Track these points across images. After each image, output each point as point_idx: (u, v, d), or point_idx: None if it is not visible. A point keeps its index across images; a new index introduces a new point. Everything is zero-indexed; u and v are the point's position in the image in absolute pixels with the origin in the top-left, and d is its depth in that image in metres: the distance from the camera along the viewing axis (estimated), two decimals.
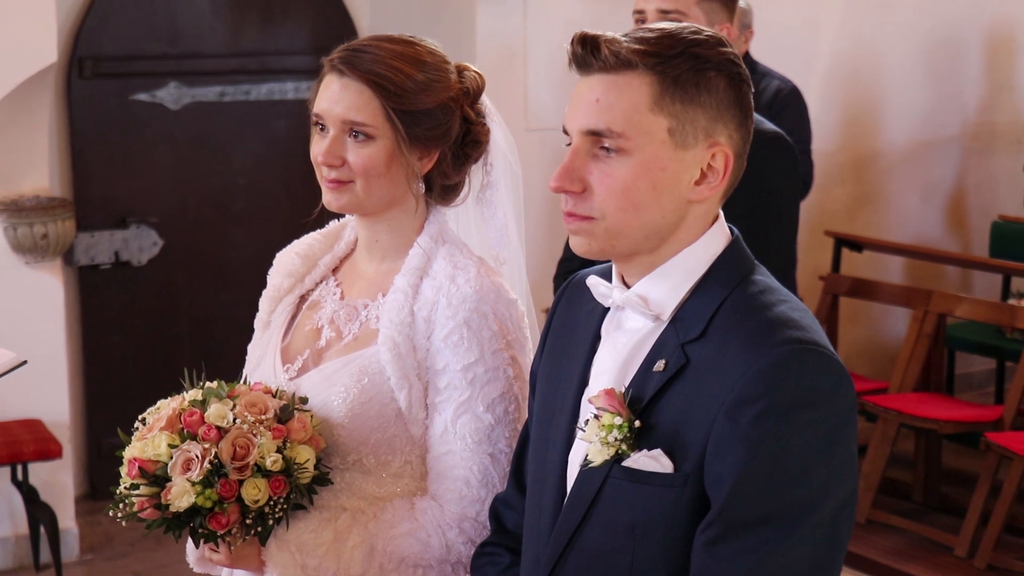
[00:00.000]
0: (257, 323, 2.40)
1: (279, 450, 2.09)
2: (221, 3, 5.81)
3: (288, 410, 2.15)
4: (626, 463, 1.73)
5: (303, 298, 2.37)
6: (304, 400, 2.20)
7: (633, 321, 1.81)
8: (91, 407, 5.71)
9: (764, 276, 1.80)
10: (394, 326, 2.19)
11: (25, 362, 2.27)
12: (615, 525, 1.75)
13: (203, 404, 2.13)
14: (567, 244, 4.00)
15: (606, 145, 1.73)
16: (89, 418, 5.71)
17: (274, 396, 2.18)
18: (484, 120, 2.29)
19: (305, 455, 2.11)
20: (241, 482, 2.08)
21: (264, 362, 2.33)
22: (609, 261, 1.86)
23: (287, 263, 2.38)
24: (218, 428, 2.09)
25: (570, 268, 3.89)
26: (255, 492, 2.07)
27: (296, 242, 2.42)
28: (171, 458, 2.10)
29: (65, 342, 5.19)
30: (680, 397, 1.71)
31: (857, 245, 6.37)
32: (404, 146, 2.18)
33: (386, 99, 2.17)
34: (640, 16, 3.58)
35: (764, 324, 1.70)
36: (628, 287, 1.82)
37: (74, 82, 5.49)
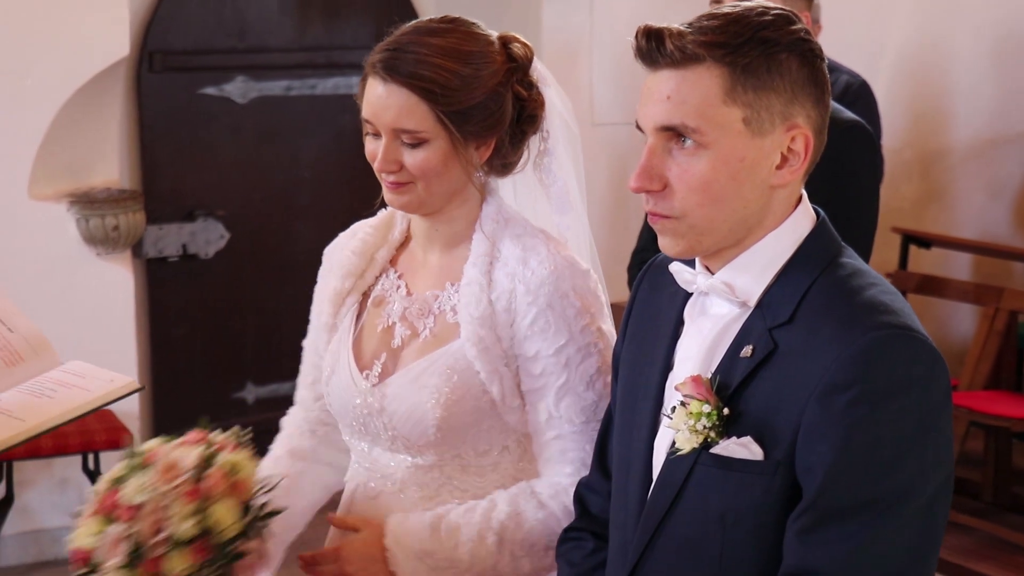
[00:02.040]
0: (319, 326, 2.34)
1: (198, 510, 2.00)
2: None
3: (210, 461, 2.06)
4: (715, 450, 1.71)
5: (365, 295, 2.31)
6: (379, 409, 2.22)
7: (718, 307, 1.79)
8: (158, 398, 5.76)
9: (852, 258, 1.77)
10: (475, 320, 2.15)
11: (142, 388, 2.25)
12: (704, 513, 1.73)
13: (123, 480, 2.03)
14: (641, 234, 4.00)
15: (682, 141, 1.71)
16: (155, 409, 5.76)
17: (206, 440, 2.10)
18: (537, 89, 2.24)
19: (222, 513, 2.01)
20: (165, 555, 1.99)
21: (338, 370, 2.27)
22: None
23: (345, 263, 2.31)
24: (136, 505, 1.99)
25: (644, 259, 3.88)
26: (178, 564, 1.98)
27: (346, 236, 2.36)
28: (99, 545, 2.00)
29: (134, 333, 5.23)
30: (768, 383, 1.69)
31: (925, 242, 6.32)
32: (459, 144, 2.13)
33: (434, 103, 2.10)
34: (716, 6, 3.55)
35: (855, 308, 1.67)
36: (712, 273, 1.79)
37: (144, 76, 5.54)
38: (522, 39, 2.23)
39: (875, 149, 3.50)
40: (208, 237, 5.74)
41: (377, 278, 2.30)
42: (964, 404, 5.40)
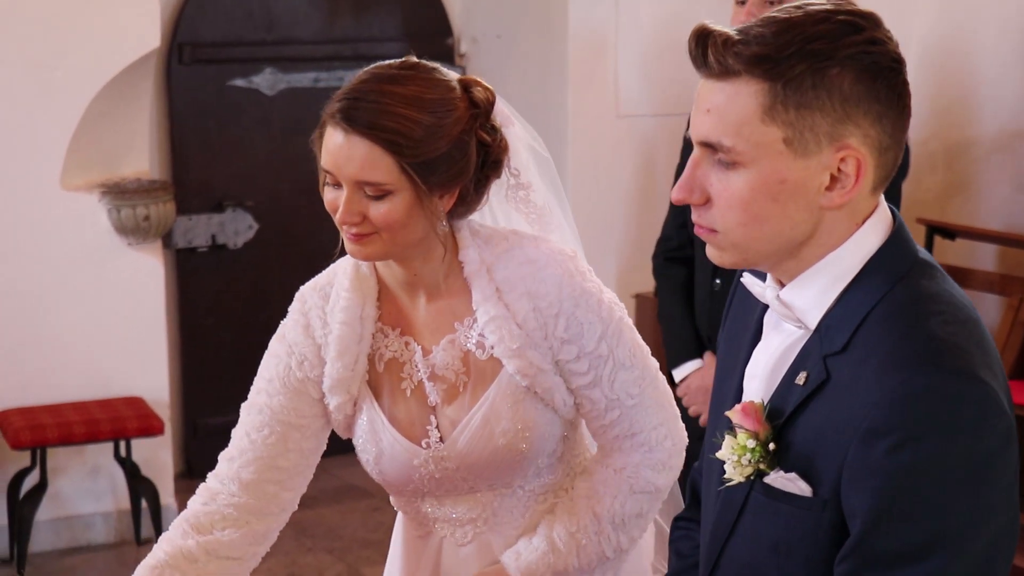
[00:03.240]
0: (339, 410, 2.21)
1: None
2: None
3: None
4: (767, 480, 1.66)
5: (369, 358, 2.22)
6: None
7: (790, 324, 1.70)
8: (188, 387, 5.82)
9: (928, 279, 1.62)
10: (516, 352, 2.14)
11: None
12: (760, 540, 1.68)
13: None
14: (666, 223, 4.04)
15: (721, 158, 1.61)
16: (185, 398, 5.82)
17: None
18: (499, 133, 2.17)
19: None
20: None
21: (386, 449, 2.20)
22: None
23: (345, 338, 2.18)
24: None
25: (668, 248, 3.92)
26: None
27: (319, 301, 2.24)
28: None
29: (165, 323, 5.29)
30: (818, 416, 1.61)
31: (950, 233, 6.33)
32: (424, 195, 2.06)
33: (398, 154, 2.02)
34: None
35: (907, 343, 1.55)
36: (780, 285, 1.70)
37: (173, 67, 5.60)
38: (483, 83, 2.17)
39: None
40: (237, 228, 5.80)
41: (374, 337, 2.21)
42: None
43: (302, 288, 2.29)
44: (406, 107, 2.03)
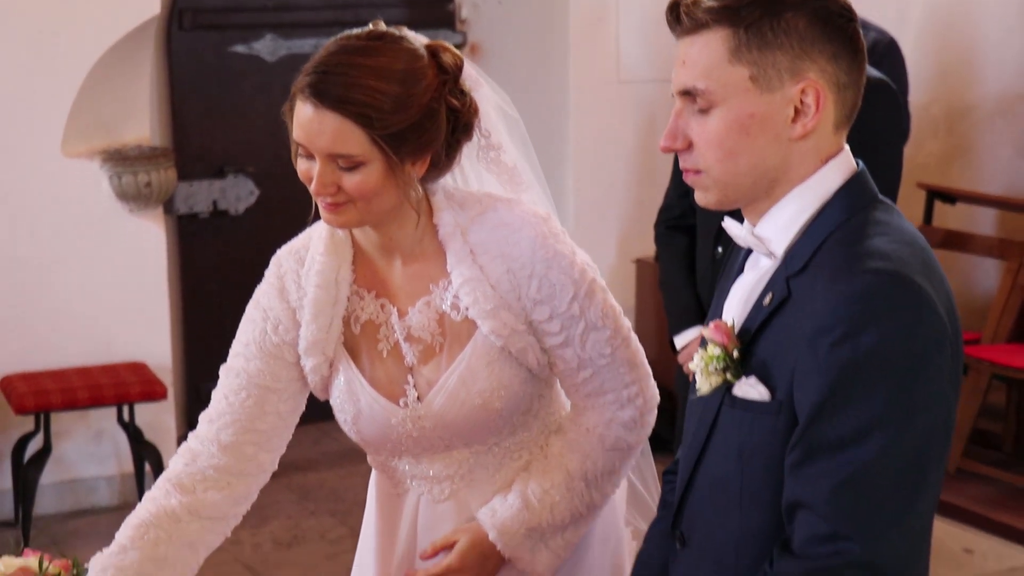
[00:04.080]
0: (315, 371, 2.25)
1: None
2: None
3: None
4: (734, 391, 1.81)
5: (344, 320, 2.25)
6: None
7: (764, 260, 1.87)
8: (190, 352, 5.86)
9: (884, 213, 1.81)
10: (491, 313, 2.18)
11: None
12: (727, 451, 1.82)
13: None
14: (668, 192, 4.06)
15: (698, 102, 1.79)
16: (188, 363, 5.85)
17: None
18: (470, 97, 2.19)
19: None
20: None
21: (364, 408, 2.24)
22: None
23: (320, 301, 2.22)
24: None
25: (670, 216, 3.94)
26: None
27: (293, 264, 2.27)
28: None
29: (167, 288, 5.31)
30: (779, 329, 1.77)
31: (950, 197, 6.34)
32: (396, 165, 2.09)
33: (368, 127, 2.05)
34: None
35: (852, 255, 1.73)
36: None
37: (174, 34, 5.61)
38: (452, 48, 2.19)
39: (900, 108, 3.53)
40: (238, 193, 5.82)
41: (349, 299, 2.24)
42: (986, 357, 5.44)
43: (278, 252, 2.31)
44: (375, 79, 2.05)
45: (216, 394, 2.29)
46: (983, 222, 6.74)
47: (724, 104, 1.77)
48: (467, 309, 2.18)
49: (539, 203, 2.32)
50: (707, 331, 1.84)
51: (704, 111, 1.79)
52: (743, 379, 1.79)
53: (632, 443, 2.30)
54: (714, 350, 1.81)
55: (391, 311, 2.23)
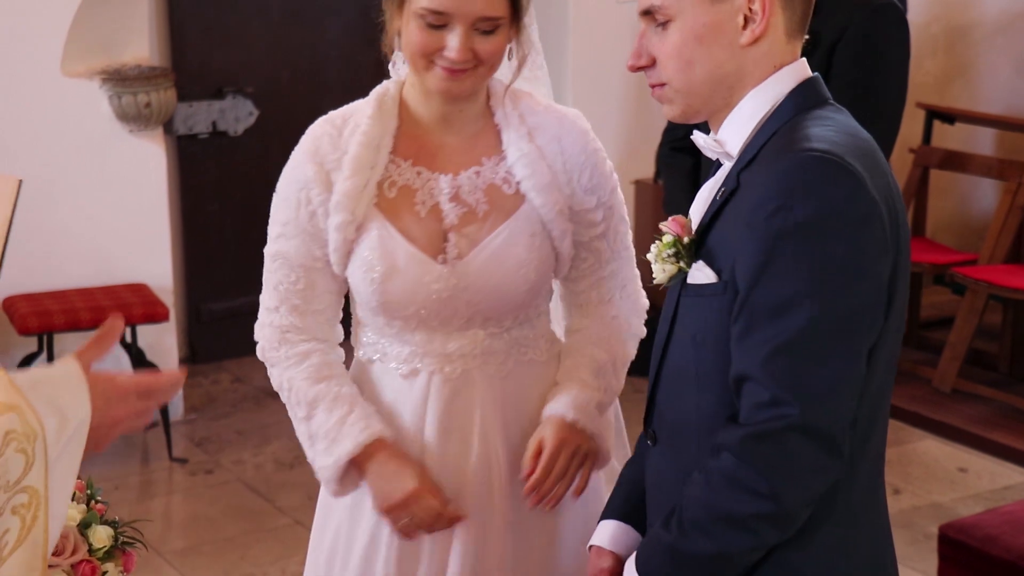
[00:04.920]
0: (339, 230, 2.29)
1: None
2: None
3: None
4: (688, 280, 1.91)
5: (379, 185, 2.32)
6: None
7: (726, 163, 1.95)
8: (190, 273, 5.88)
9: (834, 112, 1.89)
10: (545, 188, 2.31)
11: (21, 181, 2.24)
12: (684, 339, 1.92)
13: None
14: None
15: (657, 20, 1.89)
16: (188, 284, 5.88)
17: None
18: None
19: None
20: None
21: (399, 263, 2.28)
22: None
23: (360, 159, 2.29)
24: None
25: (674, 137, 3.94)
26: None
27: (335, 126, 2.34)
28: None
29: (167, 209, 5.32)
30: (728, 217, 1.87)
31: (949, 117, 6.33)
32: (514, 30, 2.27)
33: None
34: None
35: (792, 140, 1.81)
36: None
37: None
38: None
39: (906, 27, 3.54)
40: (237, 114, 5.80)
41: (386, 168, 2.31)
42: (983, 277, 5.47)
43: (312, 125, 2.39)
44: None
45: (268, 281, 2.36)
46: (982, 142, 6.74)
47: (680, 17, 1.86)
48: (519, 183, 2.32)
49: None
50: (665, 225, 1.93)
51: (663, 27, 1.88)
52: (694, 265, 1.89)
53: (642, 333, 2.46)
54: (667, 238, 1.91)
55: (433, 176, 2.32)
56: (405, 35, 2.25)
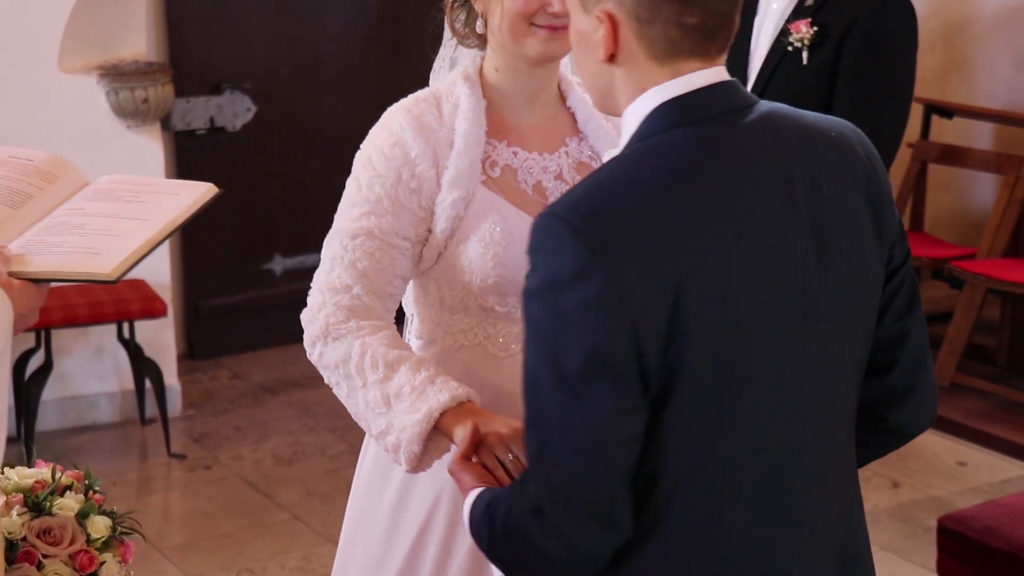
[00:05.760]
0: (454, 206, 2.28)
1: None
2: None
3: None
4: None
5: (482, 164, 2.32)
6: None
7: None
8: (188, 269, 5.87)
9: (670, 139, 1.71)
10: None
11: (220, 192, 2.26)
12: None
13: None
14: None
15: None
16: (186, 280, 5.87)
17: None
18: None
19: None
20: None
21: (517, 236, 2.27)
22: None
23: (471, 134, 2.31)
24: None
25: None
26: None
27: (456, 109, 2.34)
28: None
29: None
30: None
31: (947, 111, 6.33)
32: None
33: None
34: None
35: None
36: None
37: None
38: None
39: (914, 19, 3.53)
40: (235, 110, 5.80)
41: (484, 148, 2.33)
42: (982, 271, 5.47)
43: (393, 108, 2.34)
44: None
45: (337, 265, 2.29)
46: (980, 136, 6.74)
47: (569, 17, 1.82)
48: (604, 159, 2.33)
49: None
50: None
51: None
52: None
53: None
54: None
55: (530, 156, 2.34)
56: (501, 5, 2.24)
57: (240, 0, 5.76)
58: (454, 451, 2.08)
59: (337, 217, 2.33)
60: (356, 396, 2.23)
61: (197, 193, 2.22)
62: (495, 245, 2.27)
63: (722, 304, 1.63)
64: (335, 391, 2.29)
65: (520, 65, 2.31)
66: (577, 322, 1.61)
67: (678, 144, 1.70)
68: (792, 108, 1.80)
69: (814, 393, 1.73)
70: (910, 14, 3.52)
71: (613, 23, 1.72)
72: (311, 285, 2.34)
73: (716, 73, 1.75)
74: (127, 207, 2.10)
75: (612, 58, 1.74)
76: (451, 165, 2.27)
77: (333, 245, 2.30)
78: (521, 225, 2.26)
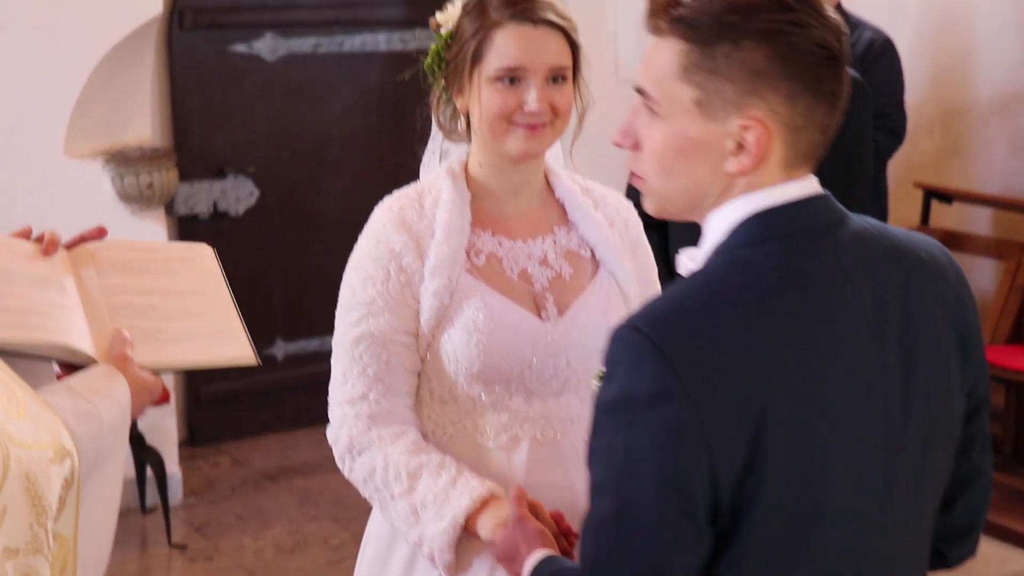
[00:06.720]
0: (437, 295, 2.27)
1: None
2: None
3: None
4: None
5: (467, 252, 2.34)
6: None
7: None
8: None
9: (759, 254, 1.64)
10: (622, 253, 2.39)
11: (256, 363, 2.29)
12: None
13: None
14: (630, 190, 4.10)
15: (649, 105, 1.69)
16: None
17: None
18: None
19: None
20: None
21: (504, 320, 2.27)
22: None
23: (451, 225, 2.31)
24: None
25: (640, 213, 3.96)
26: None
27: (437, 202, 2.34)
28: None
29: None
30: None
31: (947, 197, 6.35)
32: (578, 82, 2.34)
33: (572, 41, 2.31)
34: None
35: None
36: None
37: (174, 33, 5.56)
38: None
39: (868, 97, 3.88)
40: (238, 194, 5.79)
41: (468, 237, 2.34)
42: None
43: (381, 203, 2.39)
44: (560, 5, 2.33)
45: (349, 375, 2.30)
46: (980, 222, 6.75)
47: (668, 119, 1.66)
48: (594, 249, 2.38)
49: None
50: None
51: (653, 117, 1.68)
52: None
53: None
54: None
55: (515, 244, 2.35)
56: (480, 105, 2.27)
57: (243, 85, 5.77)
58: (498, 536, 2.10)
59: (336, 326, 2.34)
60: (388, 509, 2.25)
61: (208, 255, 2.34)
62: (478, 332, 2.27)
63: (805, 436, 1.57)
64: (372, 505, 2.30)
65: (502, 161, 2.33)
66: (651, 445, 1.55)
67: (767, 261, 1.63)
68: (881, 224, 1.73)
69: (890, 531, 1.67)
70: (864, 94, 3.80)
71: (767, 131, 1.63)
72: (328, 400, 2.35)
73: (811, 185, 1.69)
74: (172, 280, 2.15)
75: (746, 171, 1.64)
76: (431, 255, 2.29)
77: (340, 357, 2.32)
78: (505, 312, 2.28)
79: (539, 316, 2.30)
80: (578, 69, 2.33)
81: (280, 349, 5.99)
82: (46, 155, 4.97)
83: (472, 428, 2.32)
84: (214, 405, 5.88)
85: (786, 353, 1.58)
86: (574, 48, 2.31)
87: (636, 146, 1.71)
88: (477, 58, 2.28)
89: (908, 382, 1.66)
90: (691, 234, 3.65)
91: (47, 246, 2.17)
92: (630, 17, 5.80)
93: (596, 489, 1.60)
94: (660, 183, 1.70)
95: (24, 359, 1.98)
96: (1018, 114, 6.91)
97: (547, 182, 2.42)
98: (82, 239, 2.23)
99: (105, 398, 1.92)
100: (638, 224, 2.47)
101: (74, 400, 1.88)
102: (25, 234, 2.19)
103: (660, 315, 1.60)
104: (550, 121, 2.29)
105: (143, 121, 5.24)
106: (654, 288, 2.45)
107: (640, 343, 1.56)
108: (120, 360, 2.00)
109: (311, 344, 5.97)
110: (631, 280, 2.38)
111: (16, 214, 4.93)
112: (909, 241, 1.73)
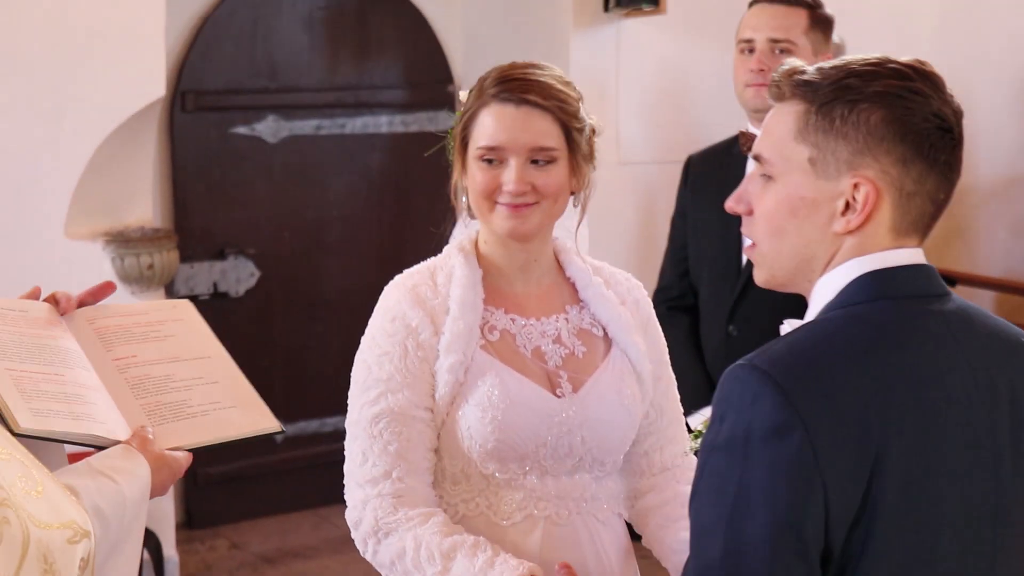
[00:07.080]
0: (452, 371, 2.26)
1: None
2: (318, 38, 5.89)
3: None
4: None
5: (480, 329, 2.33)
6: None
7: None
8: None
9: (873, 310, 1.67)
10: (631, 331, 2.37)
11: (282, 431, 2.28)
12: None
13: None
14: (664, 272, 4.04)
15: (763, 170, 1.76)
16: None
17: None
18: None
19: None
20: None
21: (519, 398, 2.26)
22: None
23: (465, 300, 2.30)
24: None
25: (669, 296, 3.92)
26: None
27: (450, 278, 2.34)
28: None
29: None
30: None
31: (949, 280, 6.34)
32: (574, 164, 2.30)
33: (565, 122, 2.27)
34: (748, 45, 3.64)
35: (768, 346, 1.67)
36: None
37: (176, 115, 5.59)
38: None
39: None
40: (239, 275, 5.78)
41: (482, 314, 2.33)
42: None
43: (388, 286, 2.37)
44: (562, 85, 2.29)
45: (370, 455, 2.26)
46: (983, 304, 6.73)
47: (781, 179, 1.72)
48: (606, 327, 2.36)
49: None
50: (693, 419, 1.90)
51: (767, 181, 1.75)
52: None
53: None
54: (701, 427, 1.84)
55: (528, 322, 2.34)
56: (469, 183, 2.30)
57: (244, 166, 5.78)
58: None
59: (351, 405, 2.31)
60: None
61: (190, 309, 2.37)
62: (493, 408, 2.25)
63: (918, 487, 1.57)
64: None
65: (502, 238, 2.33)
66: (767, 480, 1.54)
67: (880, 317, 1.65)
68: (978, 307, 1.79)
69: None
70: None
71: (877, 191, 1.67)
72: (344, 483, 2.31)
73: (919, 255, 1.74)
74: (176, 345, 2.15)
75: (853, 231, 1.68)
76: (446, 331, 2.28)
77: (358, 436, 2.27)
78: (520, 389, 2.26)
79: (554, 393, 2.29)
80: (575, 150, 2.29)
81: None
82: (47, 235, 4.97)
83: (486, 507, 2.30)
84: (212, 487, 5.83)
85: (900, 403, 1.59)
86: (567, 130, 2.27)
87: (749, 211, 1.77)
88: (466, 136, 2.30)
89: (1018, 451, 1.67)
90: (720, 315, 3.65)
91: (64, 305, 2.19)
92: (632, 101, 5.83)
93: (702, 532, 1.58)
94: (771, 245, 1.74)
95: (38, 440, 1.97)
96: (1019, 198, 6.92)
97: (557, 261, 2.42)
98: (92, 295, 2.24)
99: (128, 475, 1.91)
100: (648, 304, 2.46)
101: (98, 480, 1.90)
102: (34, 295, 2.21)
103: (778, 355, 1.61)
104: (535, 202, 2.27)
105: (144, 202, 5.24)
106: (666, 368, 2.44)
107: (759, 379, 1.57)
108: (140, 440, 2.00)
109: (310, 426, 5.92)
110: (644, 358, 2.37)
111: (16, 294, 4.91)
112: (1006, 324, 1.79)
